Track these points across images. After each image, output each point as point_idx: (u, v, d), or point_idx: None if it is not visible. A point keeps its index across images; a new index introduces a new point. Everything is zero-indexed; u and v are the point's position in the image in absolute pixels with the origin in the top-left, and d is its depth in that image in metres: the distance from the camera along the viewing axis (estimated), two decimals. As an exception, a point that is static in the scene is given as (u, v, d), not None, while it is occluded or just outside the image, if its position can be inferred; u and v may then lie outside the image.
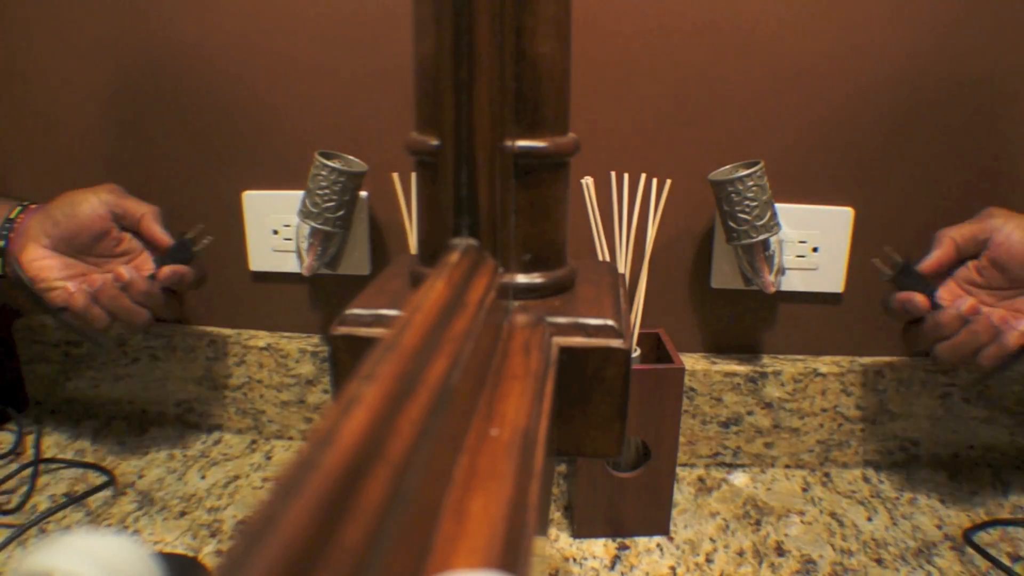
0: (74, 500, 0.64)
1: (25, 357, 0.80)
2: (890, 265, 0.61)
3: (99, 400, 0.80)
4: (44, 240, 0.63)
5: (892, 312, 0.61)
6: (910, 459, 0.74)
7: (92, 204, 0.64)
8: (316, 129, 0.71)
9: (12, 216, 0.64)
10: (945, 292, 0.62)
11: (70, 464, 0.68)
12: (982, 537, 0.62)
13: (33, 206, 0.66)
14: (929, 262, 0.61)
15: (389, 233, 0.74)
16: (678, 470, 0.72)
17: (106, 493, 0.67)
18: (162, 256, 0.65)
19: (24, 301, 0.75)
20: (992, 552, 0.60)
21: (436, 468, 0.19)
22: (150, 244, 0.66)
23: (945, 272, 0.62)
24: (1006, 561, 0.59)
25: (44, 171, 0.76)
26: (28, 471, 0.69)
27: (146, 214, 0.65)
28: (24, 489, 0.66)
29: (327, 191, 0.66)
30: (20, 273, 0.64)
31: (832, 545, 0.62)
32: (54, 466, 0.70)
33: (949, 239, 0.61)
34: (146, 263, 0.66)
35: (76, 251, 0.65)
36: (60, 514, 0.63)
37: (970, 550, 0.61)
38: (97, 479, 0.68)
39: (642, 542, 0.63)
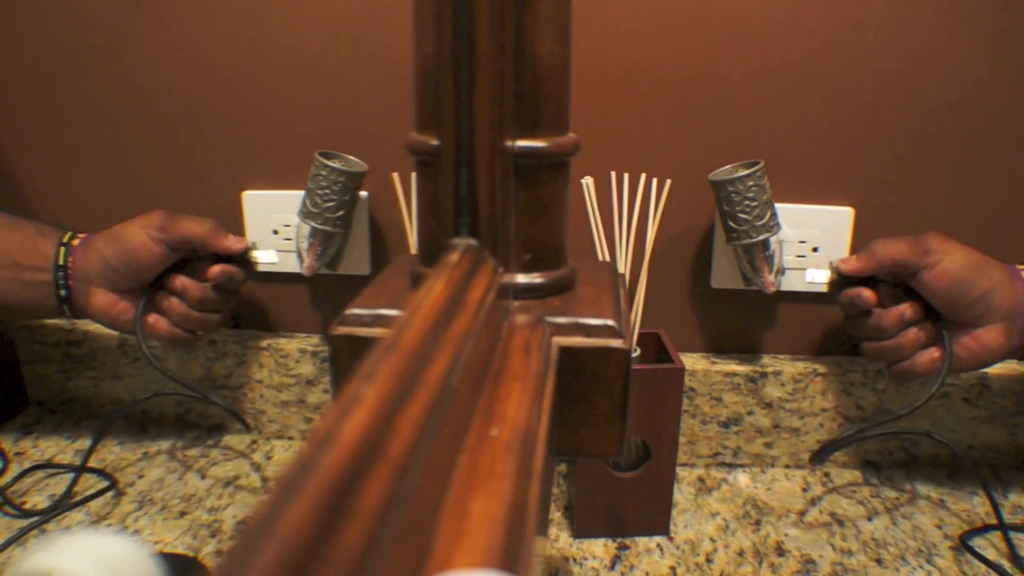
0: (75, 504, 0.64)
1: (25, 357, 0.80)
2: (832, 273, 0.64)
3: (99, 400, 0.80)
4: (108, 285, 0.64)
5: (842, 306, 0.63)
6: (910, 459, 0.74)
7: (144, 242, 0.63)
8: (316, 129, 0.71)
9: (62, 263, 0.63)
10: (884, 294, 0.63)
11: (72, 469, 0.69)
12: (980, 540, 0.63)
13: (76, 242, 0.64)
14: (847, 264, 0.62)
15: (389, 233, 0.74)
16: (678, 470, 0.72)
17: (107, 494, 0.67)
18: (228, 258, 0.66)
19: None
20: (992, 554, 0.60)
21: (436, 468, 0.19)
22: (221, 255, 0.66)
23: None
24: (1006, 562, 0.59)
25: (44, 172, 0.76)
26: (33, 474, 0.69)
27: (207, 234, 0.64)
28: (31, 491, 0.67)
29: (327, 191, 0.66)
30: (97, 320, 0.65)
31: (832, 545, 0.62)
32: (53, 469, 0.70)
33: (877, 258, 0.60)
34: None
35: (139, 281, 0.65)
36: (49, 507, 0.63)
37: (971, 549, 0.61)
38: (98, 482, 0.68)
39: (642, 542, 0.63)
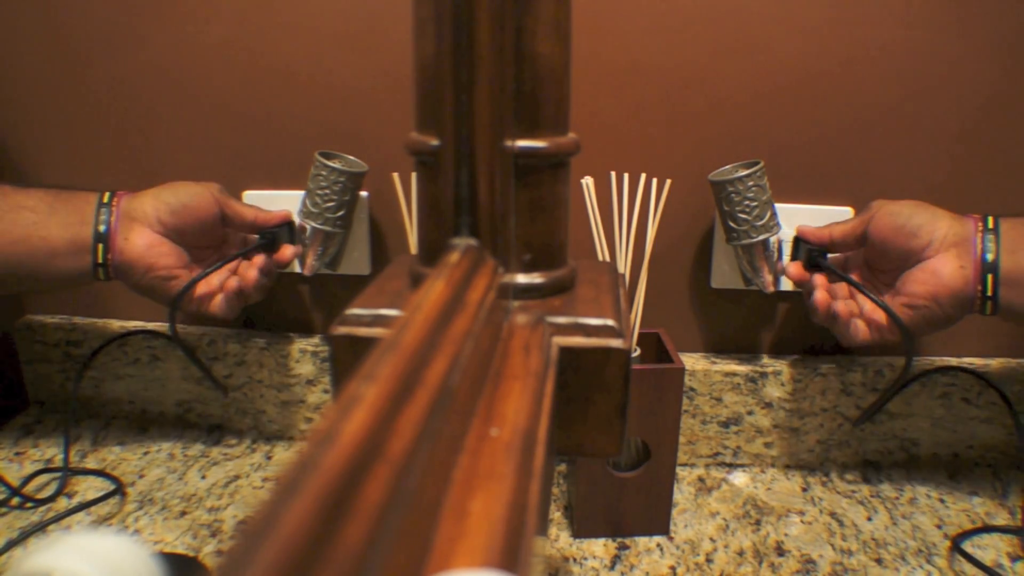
0: (83, 506, 0.64)
1: (25, 357, 0.80)
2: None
3: (99, 400, 0.80)
4: (157, 227, 0.60)
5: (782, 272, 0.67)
6: (910, 459, 0.74)
7: (208, 200, 0.63)
8: (316, 129, 0.71)
9: (106, 201, 0.60)
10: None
11: (77, 472, 0.68)
12: (975, 541, 0.62)
13: (122, 192, 0.62)
14: (807, 231, 0.64)
15: (389, 233, 0.74)
16: (678, 470, 0.72)
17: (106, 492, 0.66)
18: (269, 232, 0.66)
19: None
20: (991, 553, 0.60)
21: (436, 468, 0.19)
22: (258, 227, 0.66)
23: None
24: (1006, 561, 0.59)
25: (44, 172, 0.76)
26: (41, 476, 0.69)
27: (257, 215, 0.65)
28: (36, 494, 0.66)
29: (327, 191, 0.66)
30: (129, 260, 0.59)
31: (832, 545, 0.62)
32: (58, 472, 0.70)
33: (828, 233, 0.63)
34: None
35: (184, 242, 0.63)
36: (61, 513, 0.63)
37: (968, 549, 0.61)
38: (105, 484, 0.68)
39: (642, 542, 0.63)
